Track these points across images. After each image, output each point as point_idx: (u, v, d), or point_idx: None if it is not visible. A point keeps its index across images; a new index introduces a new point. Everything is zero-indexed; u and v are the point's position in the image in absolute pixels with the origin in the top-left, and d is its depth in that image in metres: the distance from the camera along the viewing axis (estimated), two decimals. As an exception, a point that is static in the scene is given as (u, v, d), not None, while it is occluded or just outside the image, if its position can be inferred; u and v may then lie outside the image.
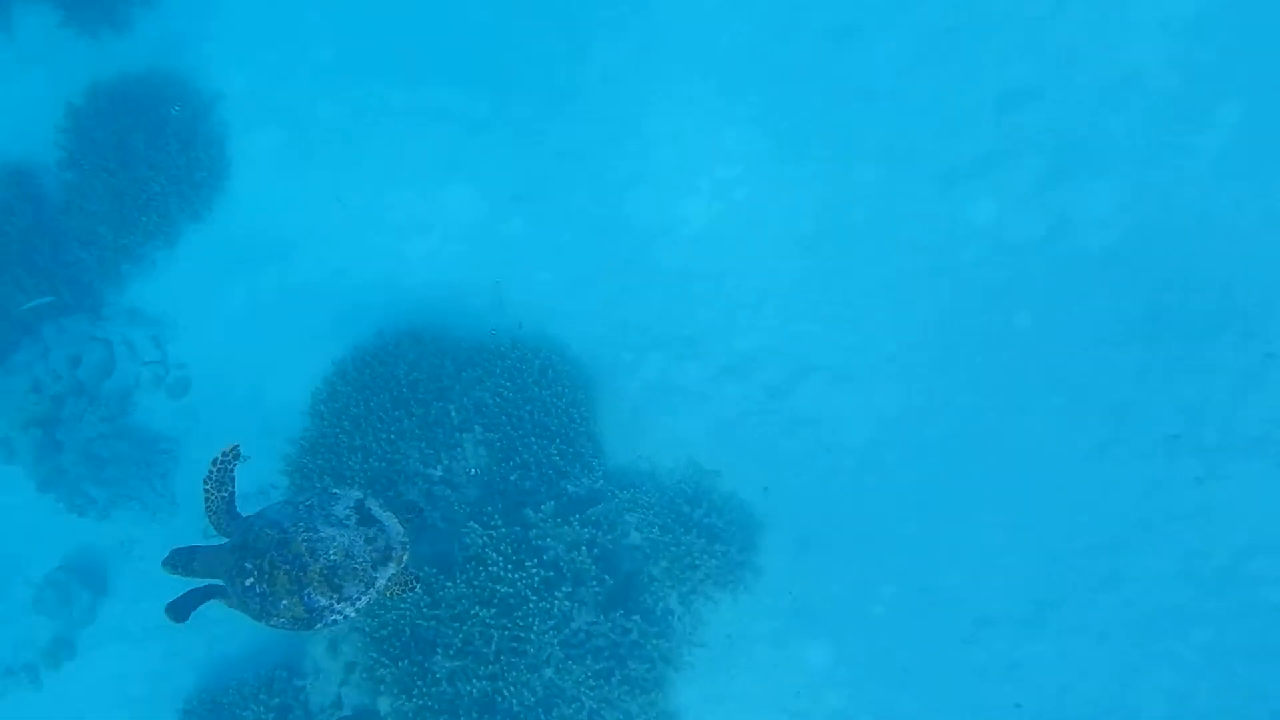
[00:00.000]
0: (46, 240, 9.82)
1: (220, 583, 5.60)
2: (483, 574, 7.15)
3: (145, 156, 9.65)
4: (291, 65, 10.00)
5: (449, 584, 7.20)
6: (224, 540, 5.72)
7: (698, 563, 7.33)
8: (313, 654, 7.68)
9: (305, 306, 9.37)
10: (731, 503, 7.69)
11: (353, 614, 5.21)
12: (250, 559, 5.19)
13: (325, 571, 5.06)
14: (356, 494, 5.48)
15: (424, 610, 7.17)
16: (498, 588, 7.07)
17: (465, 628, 7.02)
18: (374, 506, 5.45)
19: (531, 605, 6.95)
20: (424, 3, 9.83)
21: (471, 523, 7.42)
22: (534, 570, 7.06)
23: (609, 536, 7.31)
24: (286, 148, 9.75)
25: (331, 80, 9.83)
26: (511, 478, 7.70)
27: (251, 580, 5.16)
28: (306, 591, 5.07)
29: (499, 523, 7.37)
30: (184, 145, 9.70)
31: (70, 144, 9.96)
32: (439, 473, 7.89)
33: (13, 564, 9.04)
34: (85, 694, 8.51)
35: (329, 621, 5.15)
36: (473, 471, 7.76)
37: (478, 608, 7.04)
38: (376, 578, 5.20)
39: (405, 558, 5.40)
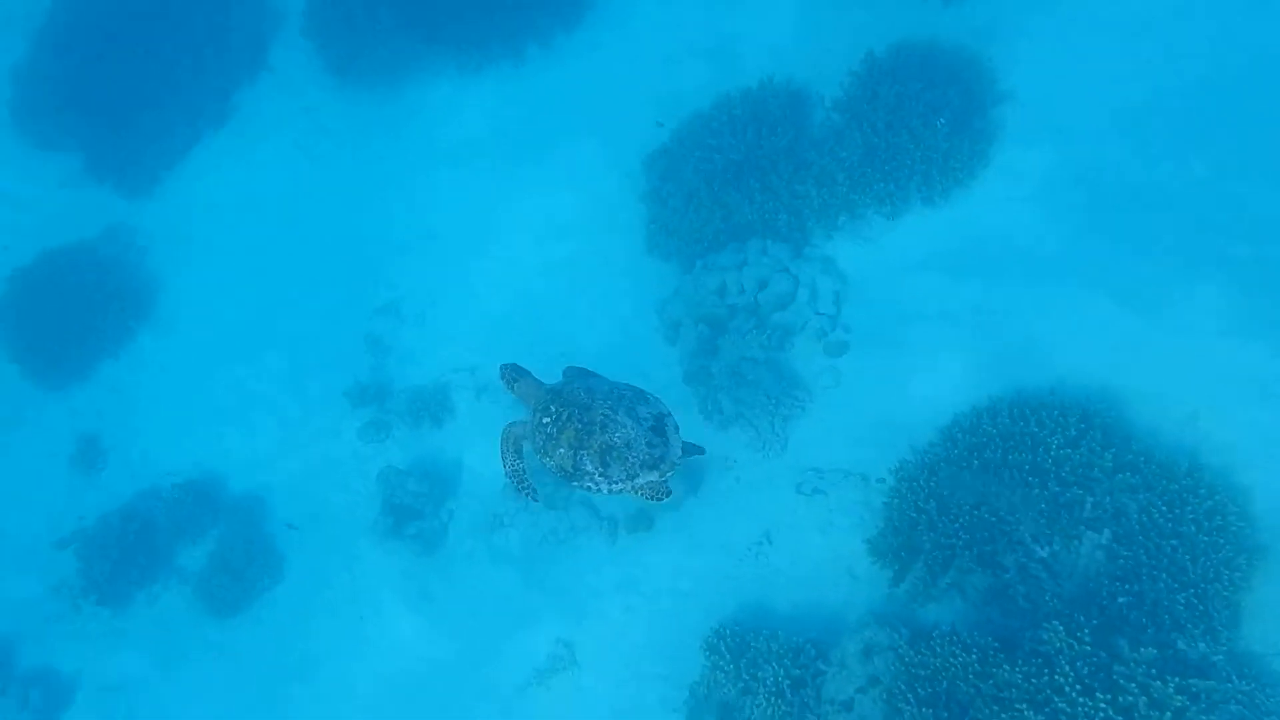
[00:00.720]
0: (790, 166, 11.74)
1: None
2: (1045, 677, 7.58)
3: (912, 127, 11.07)
4: (1089, 94, 10.76)
5: (1005, 666, 7.76)
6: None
7: (1294, 800, 7.10)
8: (845, 648, 8.72)
9: (980, 329, 10.29)
10: (1378, 760, 7.22)
11: (605, 491, 6.50)
12: (556, 404, 6.67)
13: (603, 447, 6.42)
14: (664, 409, 6.68)
15: (970, 675, 7.84)
16: (1056, 699, 7.46)
17: (1004, 716, 7.60)
18: (669, 426, 6.61)
19: (1084, 737, 7.30)
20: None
21: (1056, 622, 7.86)
22: (1102, 705, 7.30)
23: (1204, 718, 7.33)
24: (1047, 177, 10.59)
25: (1127, 126, 10.44)
26: (1120, 599, 7.99)
27: (548, 420, 6.64)
28: (581, 453, 6.48)
29: (1086, 638, 7.71)
30: (953, 130, 10.98)
31: (853, 90, 11.74)
32: (1044, 553, 8.39)
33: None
34: (642, 563, 10.56)
35: (584, 485, 6.54)
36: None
37: (1025, 706, 7.51)
38: (638, 475, 6.46)
39: (669, 475, 6.58)
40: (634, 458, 6.43)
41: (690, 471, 10.76)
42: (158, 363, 15.04)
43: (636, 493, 6.64)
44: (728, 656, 9.26)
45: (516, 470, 7.19)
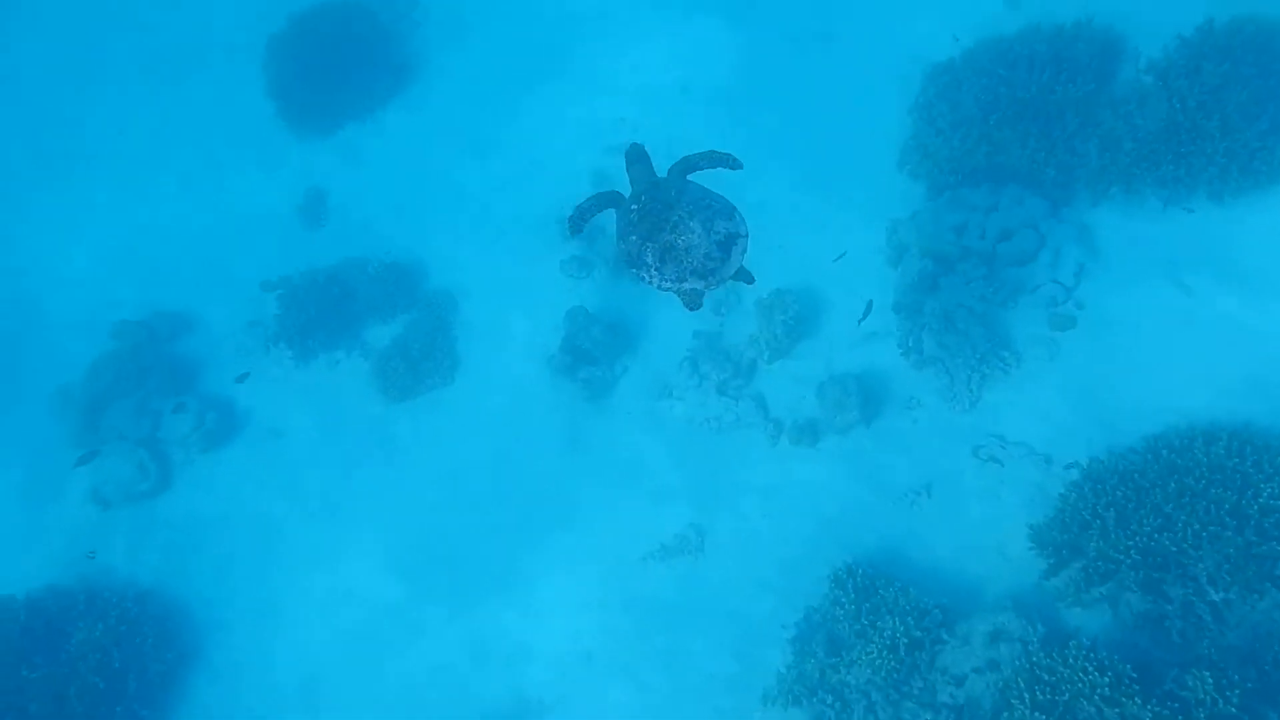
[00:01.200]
0: (1076, 120, 10.97)
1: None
2: (1177, 724, 7.26)
3: (1226, 114, 10.20)
4: None
5: (1137, 700, 7.41)
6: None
7: None
8: (974, 625, 8.51)
9: (1225, 345, 9.63)
10: None
11: (655, 285, 6.97)
12: (648, 195, 7.09)
13: (666, 245, 6.86)
14: (743, 231, 7.01)
15: (1097, 697, 7.50)
16: (1181, 750, 7.14)
17: (1116, 746, 7.30)
18: (737, 249, 6.97)
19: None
20: None
21: (1207, 672, 7.42)
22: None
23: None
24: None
25: None
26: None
27: (635, 208, 7.09)
28: (647, 245, 6.92)
29: (1234, 698, 7.32)
30: (1272, 128, 10.05)
31: (1175, 55, 10.91)
32: (1216, 597, 7.89)
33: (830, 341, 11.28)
34: (795, 475, 10.48)
35: (640, 275, 7.02)
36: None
37: (1145, 745, 7.23)
38: (686, 279, 6.91)
39: (712, 287, 7.02)
40: (688, 263, 6.84)
41: (869, 401, 10.50)
42: (399, 139, 15.36)
43: (677, 294, 7.09)
44: (852, 595, 9.13)
45: (586, 208, 7.56)
